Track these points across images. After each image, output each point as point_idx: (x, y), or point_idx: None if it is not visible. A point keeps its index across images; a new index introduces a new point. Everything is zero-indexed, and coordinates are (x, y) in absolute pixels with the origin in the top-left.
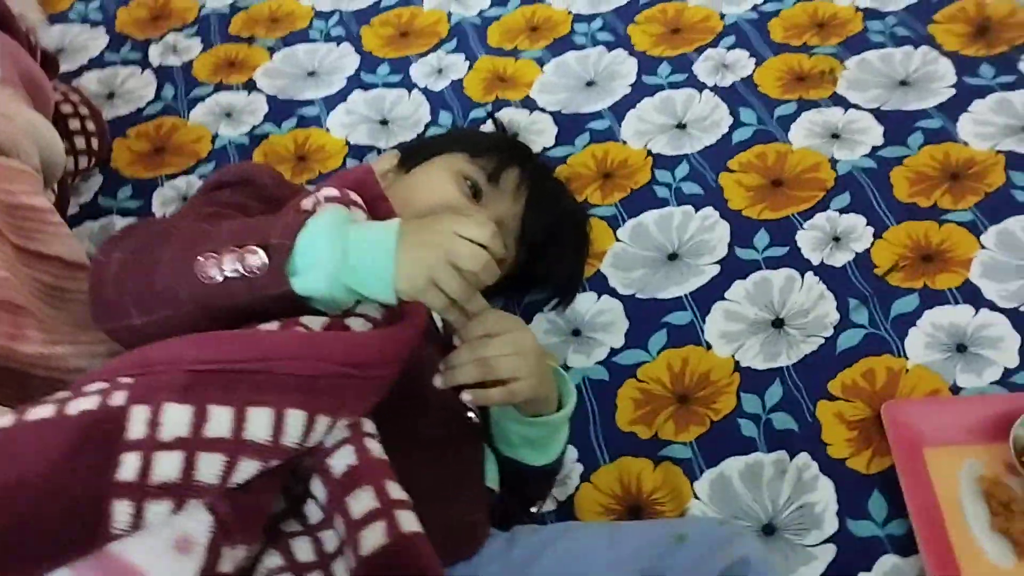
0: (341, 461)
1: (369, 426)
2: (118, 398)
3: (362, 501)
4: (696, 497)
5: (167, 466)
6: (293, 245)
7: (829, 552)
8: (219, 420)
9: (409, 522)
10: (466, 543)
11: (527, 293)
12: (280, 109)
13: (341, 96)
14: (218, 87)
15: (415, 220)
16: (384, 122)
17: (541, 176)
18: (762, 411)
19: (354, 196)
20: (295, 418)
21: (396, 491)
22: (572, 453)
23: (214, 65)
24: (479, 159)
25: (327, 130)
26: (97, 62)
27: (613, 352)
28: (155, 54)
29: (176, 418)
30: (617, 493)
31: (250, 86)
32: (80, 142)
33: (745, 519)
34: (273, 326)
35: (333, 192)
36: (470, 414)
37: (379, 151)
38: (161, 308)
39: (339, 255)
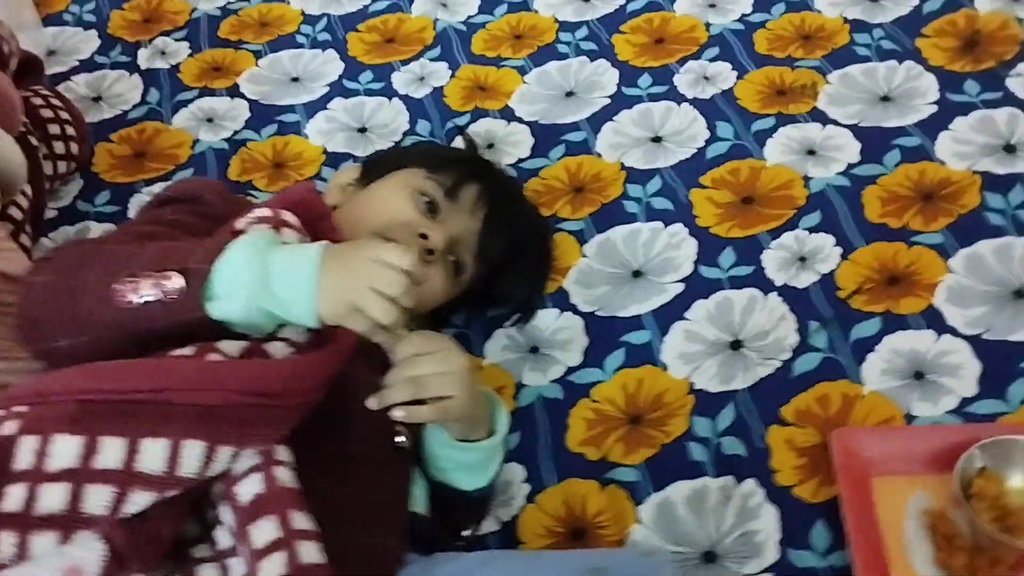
0: (248, 489)
1: (282, 453)
2: (9, 427)
3: (264, 531)
4: (639, 522)
5: (52, 498)
6: (211, 270)
7: None
8: (110, 451)
9: (310, 553)
10: (379, 570)
11: (488, 309)
12: (261, 115)
13: (322, 103)
14: (203, 92)
15: (339, 244)
16: (363, 130)
17: (502, 192)
18: (713, 435)
19: (287, 216)
20: (193, 449)
21: (301, 521)
22: (519, 474)
23: (200, 69)
24: (438, 174)
25: (306, 137)
26: (87, 64)
27: (570, 370)
28: (143, 57)
29: (65, 449)
30: (561, 515)
31: (234, 91)
32: (59, 147)
33: (687, 545)
34: (188, 351)
35: (265, 212)
36: (399, 438)
37: (355, 159)
38: (85, 332)
39: (257, 281)
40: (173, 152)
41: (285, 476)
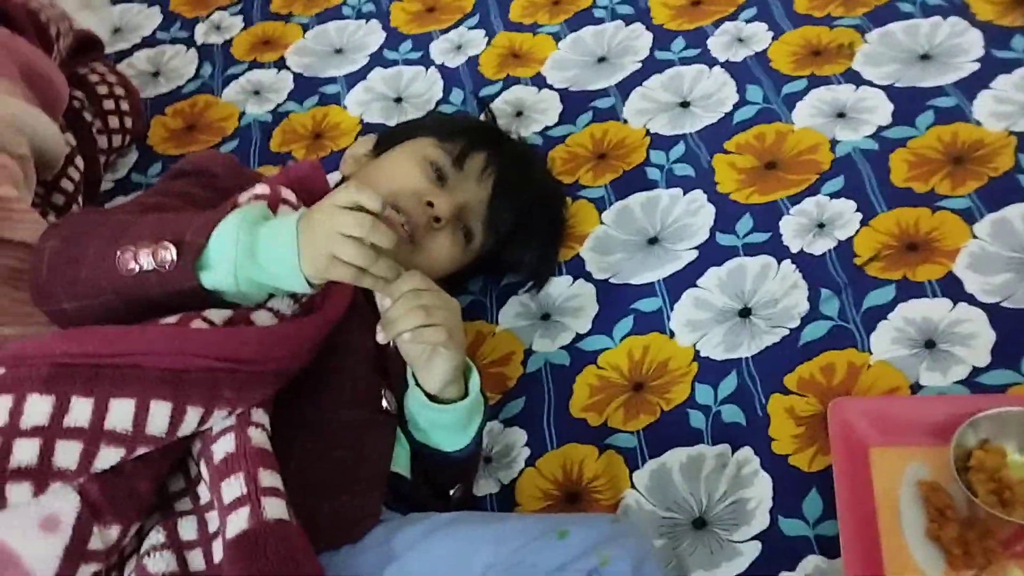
0: (221, 447)
1: (259, 415)
2: None
3: (232, 488)
4: (633, 487)
5: (25, 452)
6: (205, 242)
7: (755, 549)
8: (80, 410)
9: (275, 509)
10: (351, 528)
11: (503, 276)
12: (304, 87)
13: (362, 73)
14: (252, 65)
15: (311, 207)
16: (399, 100)
17: (513, 161)
18: (713, 403)
19: (285, 194)
20: (160, 409)
21: (268, 479)
22: (521, 438)
23: (250, 43)
24: (447, 143)
25: (344, 107)
26: (149, 41)
27: (578, 337)
28: (200, 32)
29: (37, 408)
30: (559, 479)
31: (281, 64)
32: (114, 121)
33: (678, 512)
34: (173, 319)
35: (264, 189)
36: (384, 402)
37: None
38: (86, 296)
39: (244, 252)
40: (221, 124)
41: (258, 437)
